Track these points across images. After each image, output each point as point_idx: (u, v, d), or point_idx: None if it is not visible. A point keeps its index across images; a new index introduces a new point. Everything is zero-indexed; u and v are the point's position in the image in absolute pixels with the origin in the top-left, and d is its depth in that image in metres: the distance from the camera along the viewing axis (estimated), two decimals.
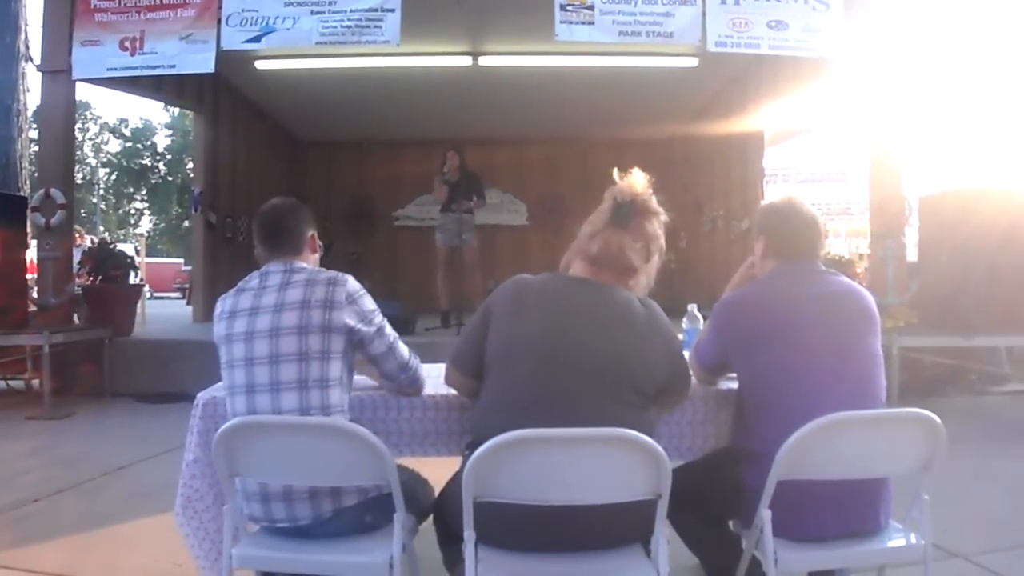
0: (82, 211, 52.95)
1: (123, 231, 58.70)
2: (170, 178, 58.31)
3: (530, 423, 2.54)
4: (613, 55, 12.59)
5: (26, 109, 14.91)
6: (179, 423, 3.91)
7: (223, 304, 3.21)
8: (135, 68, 10.11)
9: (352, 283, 3.17)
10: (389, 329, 3.27)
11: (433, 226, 12.35)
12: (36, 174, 12.95)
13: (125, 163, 59.61)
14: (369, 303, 3.20)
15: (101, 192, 60.18)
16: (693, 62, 12.89)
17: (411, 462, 3.35)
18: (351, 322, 3.09)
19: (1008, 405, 9.35)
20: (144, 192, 61.62)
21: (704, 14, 9.68)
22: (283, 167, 18.69)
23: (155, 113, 60.47)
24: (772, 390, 3.07)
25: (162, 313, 18.24)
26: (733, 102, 14.90)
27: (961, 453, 4.69)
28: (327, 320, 3.05)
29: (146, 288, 16.72)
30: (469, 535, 2.59)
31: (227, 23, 9.81)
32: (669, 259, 3.44)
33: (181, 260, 46.00)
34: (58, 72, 10.44)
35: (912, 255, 10.99)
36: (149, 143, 60.55)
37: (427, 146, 14.61)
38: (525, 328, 2.94)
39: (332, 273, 3.18)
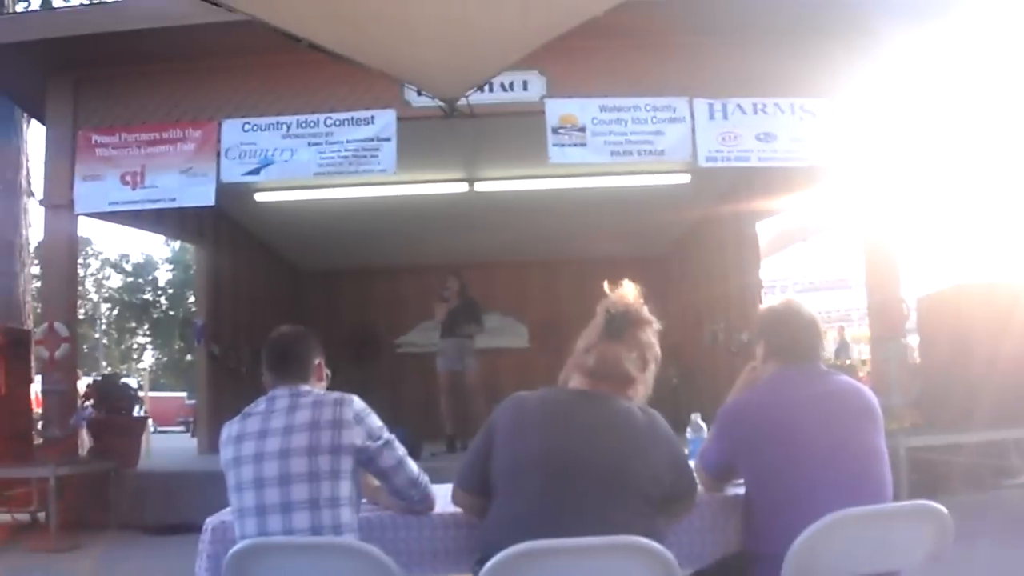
0: (84, 346, 52.97)
1: (126, 366, 58.58)
2: (172, 312, 58.31)
3: (538, 537, 2.55)
4: (606, 175, 12.74)
5: (28, 244, 15.07)
6: (186, 555, 3.89)
7: (229, 429, 3.24)
8: (137, 202, 10.29)
9: (358, 402, 3.21)
10: (398, 444, 3.29)
11: (435, 352, 12.38)
12: (39, 309, 13.02)
13: (127, 298, 59.75)
14: (376, 421, 3.24)
15: (103, 327, 60.25)
16: (686, 178, 13.00)
17: None
18: (358, 441, 3.12)
19: (1021, 498, 9.27)
20: (146, 327, 61.68)
21: (694, 130, 9.88)
22: (284, 297, 18.77)
23: (156, 248, 60.68)
24: (778, 491, 3.08)
25: (167, 446, 18.18)
26: (727, 215, 15.01)
27: (975, 549, 4.67)
28: (336, 440, 3.08)
29: (150, 421, 16.67)
30: None
31: (226, 156, 10.02)
32: (671, 375, 3.49)
33: (184, 394, 45.82)
34: (60, 206, 10.59)
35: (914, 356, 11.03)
36: (150, 278, 60.75)
37: (427, 272, 14.73)
38: (528, 443, 2.96)
39: (338, 394, 3.22)
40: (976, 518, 6.96)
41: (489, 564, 2.50)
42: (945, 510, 2.79)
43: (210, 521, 3.46)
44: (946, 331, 10.31)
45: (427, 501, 3.43)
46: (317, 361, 3.47)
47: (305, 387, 3.29)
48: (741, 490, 3.39)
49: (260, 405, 3.25)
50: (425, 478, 3.40)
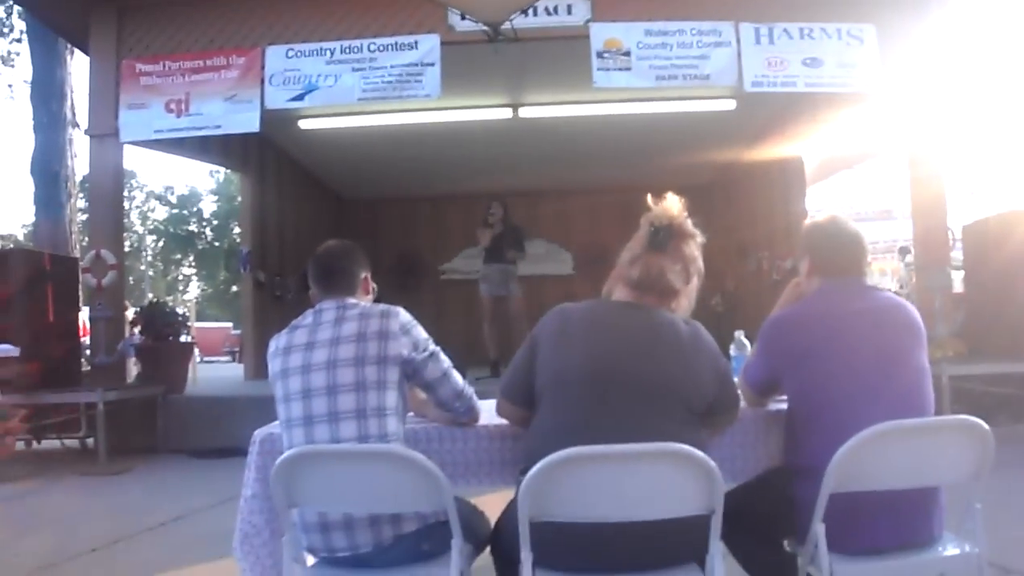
0: (130, 278, 53.36)
1: (172, 297, 59.06)
2: (217, 243, 58.66)
3: (581, 445, 2.55)
4: (651, 100, 12.60)
5: (74, 175, 15.19)
6: (233, 476, 3.95)
7: (277, 342, 3.28)
8: (181, 129, 10.33)
9: (404, 314, 3.24)
10: (443, 356, 3.31)
11: (478, 279, 12.40)
12: (85, 240, 13.15)
13: (172, 230, 60.13)
14: (422, 332, 3.26)
15: (149, 259, 60.72)
16: (731, 104, 12.89)
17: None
18: (405, 352, 3.15)
19: None
20: (191, 258, 62.13)
21: (739, 55, 9.78)
22: (329, 225, 18.82)
23: (200, 180, 60.85)
24: (821, 405, 3.07)
25: (214, 375, 18.40)
26: (773, 142, 14.90)
27: (1015, 477, 4.66)
28: (383, 351, 3.10)
29: (196, 351, 16.83)
30: (526, 556, 2.58)
31: (270, 83, 10.05)
32: (716, 304, 3.47)
33: (230, 324, 46.14)
34: (106, 135, 10.66)
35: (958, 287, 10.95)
36: (195, 209, 61.04)
37: (471, 200, 14.70)
38: (572, 354, 2.96)
39: (384, 306, 3.25)
40: (1017, 447, 6.94)
41: (532, 471, 2.53)
42: (987, 426, 2.78)
43: (258, 433, 3.53)
44: (991, 260, 10.20)
45: (472, 413, 3.47)
46: (364, 275, 3.50)
47: (352, 300, 3.33)
48: (783, 405, 3.38)
49: (307, 318, 3.29)
50: (470, 390, 3.44)
